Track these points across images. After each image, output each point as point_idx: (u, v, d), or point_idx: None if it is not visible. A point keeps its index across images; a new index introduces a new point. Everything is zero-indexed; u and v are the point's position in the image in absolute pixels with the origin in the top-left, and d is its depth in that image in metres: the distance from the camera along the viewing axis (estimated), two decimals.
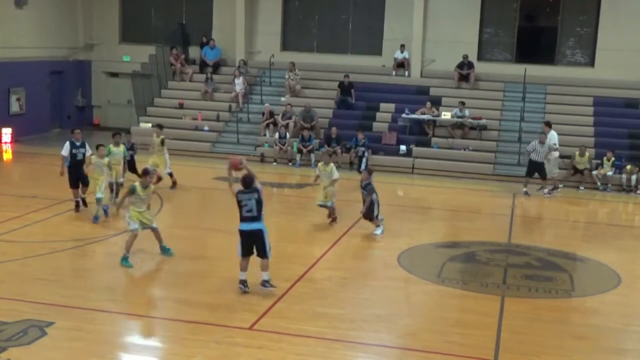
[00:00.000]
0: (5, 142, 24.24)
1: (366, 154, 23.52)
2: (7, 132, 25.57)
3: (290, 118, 25.18)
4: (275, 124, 25.26)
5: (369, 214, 16.02)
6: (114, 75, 31.04)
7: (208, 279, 12.88)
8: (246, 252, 12.12)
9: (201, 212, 18.21)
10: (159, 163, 19.30)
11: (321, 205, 16.95)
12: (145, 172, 13.85)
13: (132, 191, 13.38)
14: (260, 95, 27.00)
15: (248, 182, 12.10)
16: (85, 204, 16.82)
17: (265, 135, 25.28)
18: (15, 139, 25.81)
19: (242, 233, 12.05)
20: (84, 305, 11.28)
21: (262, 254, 12.11)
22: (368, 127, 25.07)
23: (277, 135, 24.65)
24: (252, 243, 12.06)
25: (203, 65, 28.67)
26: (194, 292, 12.18)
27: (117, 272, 13.07)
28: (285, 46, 29.31)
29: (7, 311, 10.83)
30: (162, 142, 19.75)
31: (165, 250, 13.89)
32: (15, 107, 26.97)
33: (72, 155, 16.53)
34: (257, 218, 12.00)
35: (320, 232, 16.35)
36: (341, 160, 23.71)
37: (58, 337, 10.09)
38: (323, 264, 13.94)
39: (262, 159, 24.63)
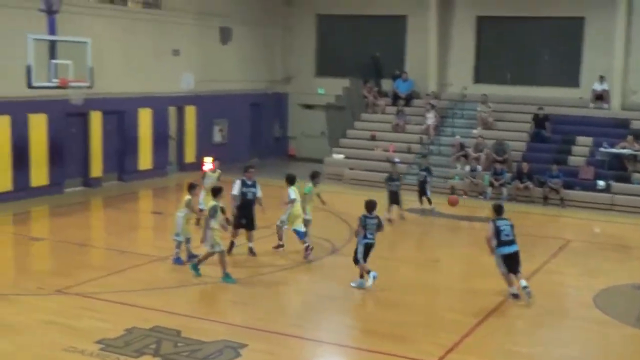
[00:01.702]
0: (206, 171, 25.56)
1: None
2: (208, 160, 26.91)
3: (481, 151, 24.86)
4: (466, 156, 25.02)
5: None
6: (309, 107, 32.03)
7: (395, 309, 12.91)
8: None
9: (393, 242, 18.30)
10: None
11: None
12: (216, 191, 14.35)
13: (215, 211, 13.83)
14: (451, 128, 26.88)
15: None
16: (252, 252, 15.82)
17: (456, 167, 25.10)
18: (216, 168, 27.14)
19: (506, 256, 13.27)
20: (275, 329, 11.65)
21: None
22: (563, 161, 24.25)
23: (468, 167, 24.39)
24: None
25: (395, 98, 28.96)
26: (380, 321, 12.26)
27: (307, 298, 13.41)
28: (477, 78, 29.04)
29: (205, 331, 11.40)
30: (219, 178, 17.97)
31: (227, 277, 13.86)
32: (217, 138, 28.49)
33: (242, 194, 15.67)
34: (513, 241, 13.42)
35: None
36: (534, 195, 23.11)
37: (251, 359, 10.47)
38: (514, 301, 13.56)
39: (453, 191, 24.43)
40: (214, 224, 13.80)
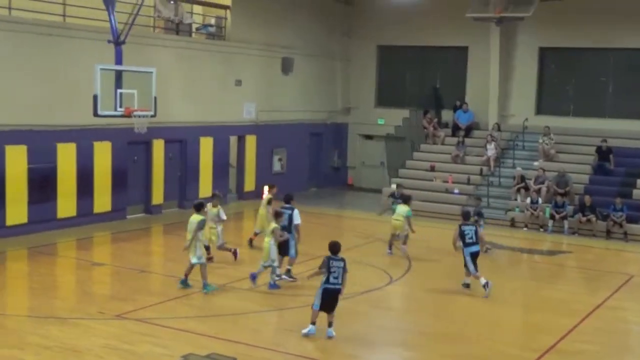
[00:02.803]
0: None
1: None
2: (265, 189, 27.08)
3: (543, 183, 24.53)
4: (526, 188, 24.72)
5: None
6: (369, 137, 32.12)
7: (454, 342, 12.78)
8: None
9: (448, 274, 18.12)
10: (213, 238, 17.31)
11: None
12: (278, 214, 15.45)
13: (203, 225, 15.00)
14: (512, 159, 26.61)
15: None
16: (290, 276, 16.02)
17: (516, 199, 24.80)
18: (275, 197, 27.34)
19: None
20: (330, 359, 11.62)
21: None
22: (627, 194, 23.75)
23: (528, 200, 24.08)
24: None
25: (455, 129, 28.84)
26: (438, 354, 12.14)
27: (363, 328, 13.35)
28: (539, 110, 28.75)
29: (260, 359, 11.43)
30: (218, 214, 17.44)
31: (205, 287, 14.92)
32: (277, 167, 28.74)
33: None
34: None
35: (573, 303, 15.64)
36: (596, 229, 22.69)
37: None
38: (575, 336, 13.28)
39: (513, 223, 24.15)
40: (201, 236, 15.03)
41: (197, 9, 26.73)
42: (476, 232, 15.92)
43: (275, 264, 15.42)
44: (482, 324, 14.14)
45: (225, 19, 26.60)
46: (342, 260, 12.56)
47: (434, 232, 21.86)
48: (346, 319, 14.01)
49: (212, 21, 26.95)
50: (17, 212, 19.54)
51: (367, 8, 31.18)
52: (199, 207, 15.49)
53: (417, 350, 12.53)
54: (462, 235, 15.80)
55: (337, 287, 12.42)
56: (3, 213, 19.24)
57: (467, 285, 16.09)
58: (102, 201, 21.80)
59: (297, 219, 16.19)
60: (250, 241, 19.40)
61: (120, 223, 21.96)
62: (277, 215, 15.53)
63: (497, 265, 19.61)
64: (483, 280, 15.66)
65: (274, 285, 15.40)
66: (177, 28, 25.15)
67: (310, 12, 29.85)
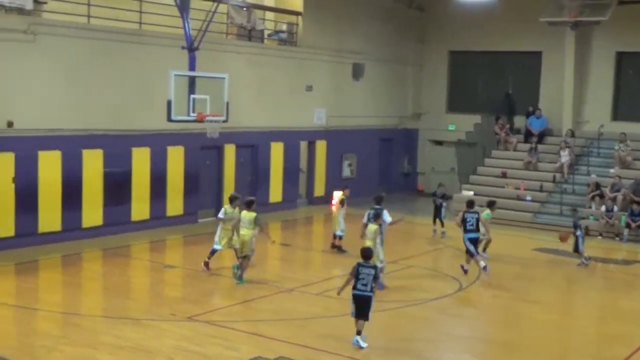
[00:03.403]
0: (334, 205, 25.96)
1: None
2: (337, 194, 27.14)
3: (618, 190, 23.95)
4: (601, 196, 24.17)
5: None
6: (439, 143, 31.90)
7: (519, 351, 12.57)
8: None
9: (518, 282, 17.84)
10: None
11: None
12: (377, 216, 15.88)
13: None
14: (586, 166, 26.07)
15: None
16: None
17: (590, 207, 24.28)
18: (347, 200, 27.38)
19: None
20: None
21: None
22: None
23: (603, 208, 23.54)
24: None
25: (528, 135, 28.41)
26: None
27: (432, 335, 13.27)
28: (616, 116, 28.10)
29: None
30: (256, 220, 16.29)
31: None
32: (346, 172, 28.77)
33: None
34: None
35: None
36: None
37: None
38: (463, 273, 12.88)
39: (587, 232, 23.56)
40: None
41: (269, 15, 26.99)
42: (477, 220, 17.40)
43: (384, 264, 15.85)
44: (552, 333, 13.89)
45: (297, 25, 26.79)
46: (374, 267, 12.42)
47: (505, 240, 21.54)
48: (414, 326, 13.95)
49: (284, 27, 27.17)
50: (93, 214, 20.05)
51: (440, 14, 30.99)
52: (250, 204, 16.16)
53: (484, 358, 12.37)
54: (464, 221, 17.27)
55: (366, 294, 12.16)
56: (79, 215, 19.76)
57: (465, 271, 17.25)
58: (175, 205, 22.18)
59: (387, 218, 16.56)
60: (333, 245, 19.52)
61: (191, 226, 22.30)
62: (377, 217, 15.91)
63: (571, 275, 19.24)
64: (482, 264, 17.02)
65: (382, 285, 15.25)
66: (250, 34, 25.44)
67: (382, 18, 29.83)
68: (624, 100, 28.19)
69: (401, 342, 12.93)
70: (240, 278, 15.91)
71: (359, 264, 12.31)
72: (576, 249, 18.96)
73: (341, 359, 11.82)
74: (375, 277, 12.30)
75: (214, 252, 17.02)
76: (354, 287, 12.24)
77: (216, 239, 16.96)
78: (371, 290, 12.18)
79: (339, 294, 12.69)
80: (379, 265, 14.76)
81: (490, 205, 19.45)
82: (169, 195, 22.00)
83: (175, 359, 11.42)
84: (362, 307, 12.18)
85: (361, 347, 12.11)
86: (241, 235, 15.97)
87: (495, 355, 12.41)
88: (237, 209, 16.69)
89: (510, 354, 12.43)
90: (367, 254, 12.59)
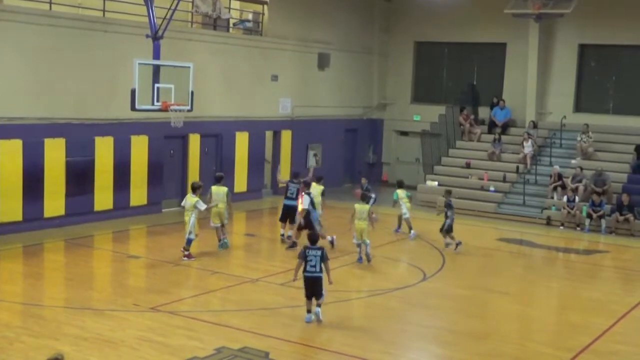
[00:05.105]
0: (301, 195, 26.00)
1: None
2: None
3: (580, 181, 24.26)
4: (563, 186, 24.46)
5: None
6: (404, 133, 32.00)
7: (486, 340, 12.70)
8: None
9: (482, 272, 18.03)
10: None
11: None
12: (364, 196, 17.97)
13: None
14: (549, 157, 26.36)
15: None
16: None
17: (552, 197, 24.57)
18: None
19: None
20: (364, 356, 11.60)
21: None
22: None
23: (565, 198, 23.83)
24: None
25: (492, 126, 28.64)
26: (470, 352, 12.08)
27: (396, 325, 13.34)
28: (578, 107, 28.42)
29: (293, 354, 11.55)
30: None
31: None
32: (312, 162, 28.72)
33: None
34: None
35: (609, 303, 15.45)
36: (634, 228, 22.42)
37: None
38: (610, 337, 13.14)
39: (549, 222, 23.92)
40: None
41: (235, 4, 26.82)
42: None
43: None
44: (516, 322, 14.07)
45: (263, 14, 26.66)
46: (320, 249, 13.02)
47: (469, 230, 21.72)
48: (379, 316, 14.01)
49: (250, 16, 27.04)
50: (55, 204, 19.82)
51: (406, 4, 31.04)
52: (220, 179, 18.52)
53: (450, 348, 12.47)
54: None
55: (315, 274, 12.85)
56: (41, 205, 19.52)
57: (447, 244, 19.10)
58: (138, 194, 22.01)
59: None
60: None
61: (155, 216, 22.16)
62: (364, 197, 17.80)
63: (533, 264, 19.49)
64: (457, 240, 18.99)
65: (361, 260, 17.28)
66: (215, 23, 25.27)
67: (348, 7, 29.82)
68: (587, 92, 28.51)
69: (366, 331, 12.98)
70: (225, 243, 18.21)
71: (305, 247, 13.08)
72: (443, 229, 19.23)
73: (306, 349, 11.85)
74: (322, 258, 12.89)
75: (190, 242, 17.13)
76: (304, 270, 12.94)
77: (190, 228, 17.10)
78: (320, 271, 12.86)
79: (294, 280, 13.39)
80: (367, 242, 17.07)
81: (400, 185, 21.60)
82: (132, 185, 21.81)
83: (139, 350, 11.35)
84: (313, 287, 12.89)
85: (319, 320, 12.87)
86: (218, 207, 17.87)
87: (461, 345, 12.49)
88: (199, 195, 17.49)
89: (476, 344, 12.52)
90: (313, 238, 13.36)
